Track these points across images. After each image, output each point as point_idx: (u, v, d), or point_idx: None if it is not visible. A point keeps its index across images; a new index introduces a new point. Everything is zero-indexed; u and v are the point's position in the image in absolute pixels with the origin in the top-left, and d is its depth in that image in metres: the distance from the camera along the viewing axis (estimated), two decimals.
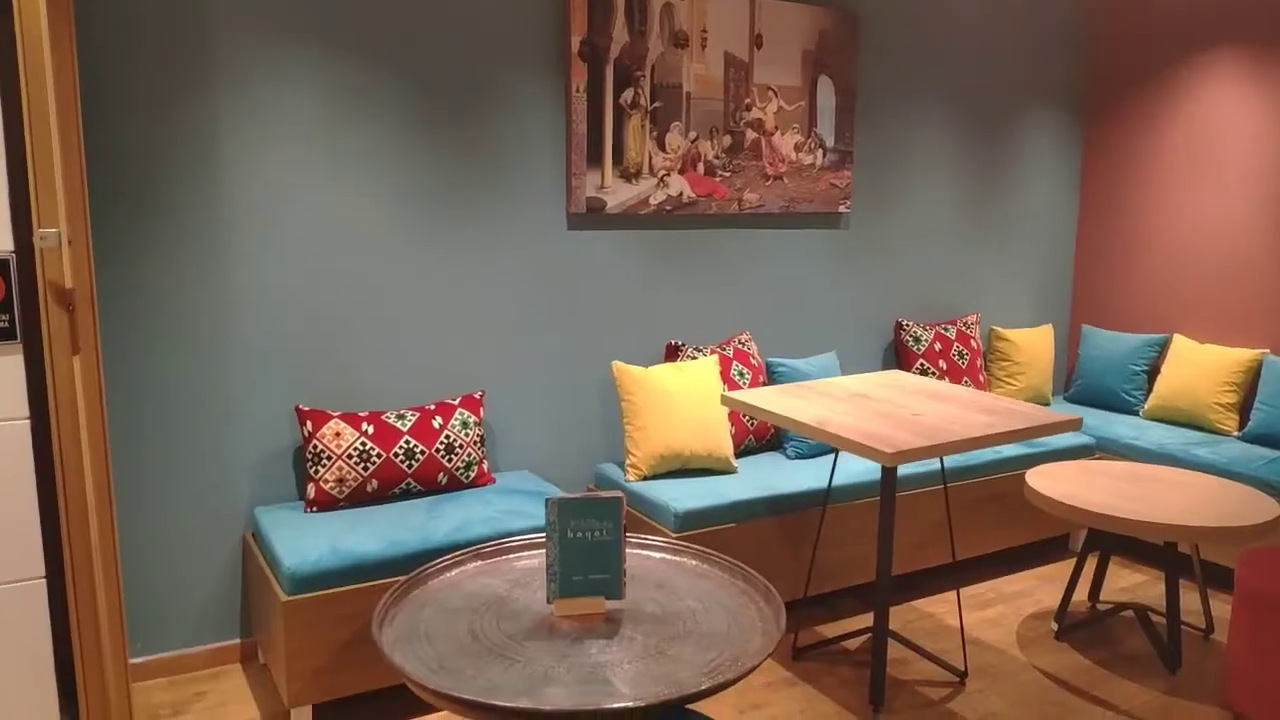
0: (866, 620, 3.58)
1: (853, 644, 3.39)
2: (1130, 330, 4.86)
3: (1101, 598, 3.78)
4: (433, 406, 3.32)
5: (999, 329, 4.74)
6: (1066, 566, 4.11)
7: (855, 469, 3.63)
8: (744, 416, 3.78)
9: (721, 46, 3.80)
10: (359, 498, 3.14)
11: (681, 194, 3.78)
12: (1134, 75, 4.78)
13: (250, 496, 3.20)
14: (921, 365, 4.35)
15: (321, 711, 2.91)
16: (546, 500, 2.24)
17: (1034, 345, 4.71)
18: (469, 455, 3.30)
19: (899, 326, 4.42)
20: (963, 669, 3.17)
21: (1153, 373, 4.66)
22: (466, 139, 3.38)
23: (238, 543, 3.20)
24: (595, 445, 3.79)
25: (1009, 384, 4.67)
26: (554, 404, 3.68)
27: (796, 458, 3.80)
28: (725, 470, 3.58)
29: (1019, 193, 4.84)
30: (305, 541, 2.83)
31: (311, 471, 3.11)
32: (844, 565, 3.55)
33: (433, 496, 3.24)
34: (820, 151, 4.10)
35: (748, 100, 3.88)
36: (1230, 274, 4.43)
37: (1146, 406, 4.52)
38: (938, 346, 4.40)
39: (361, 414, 3.22)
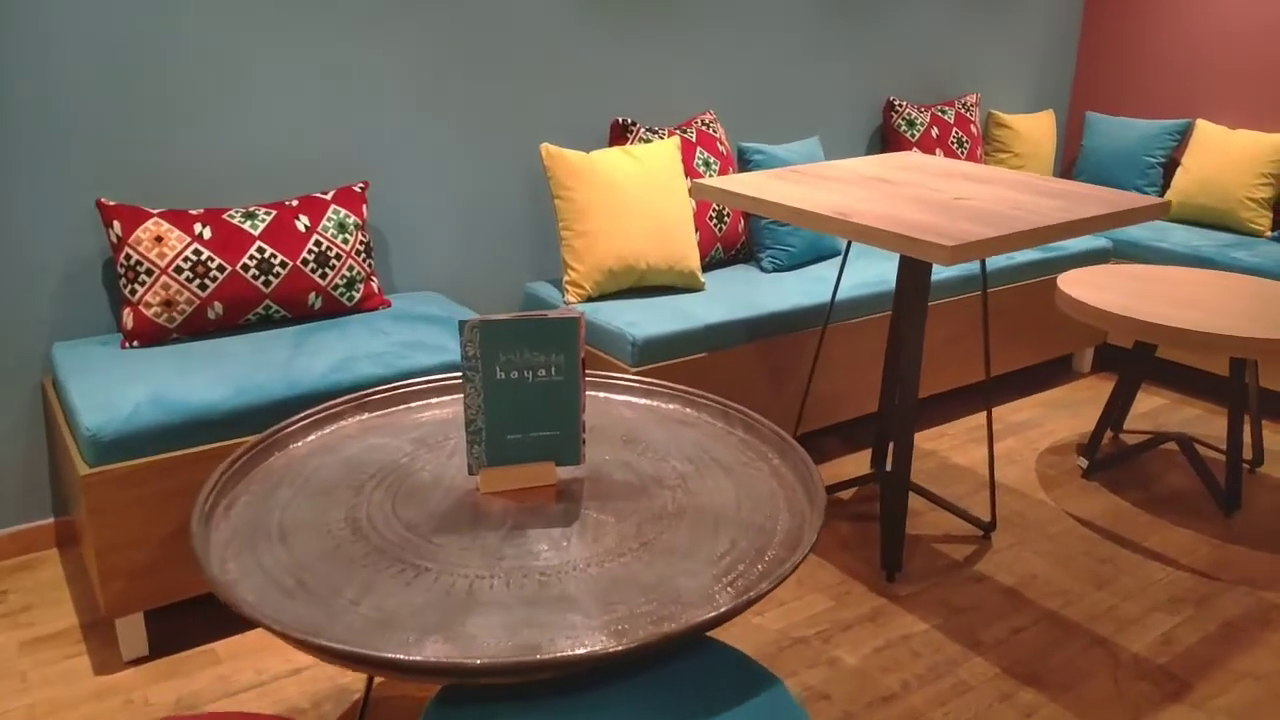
0: (859, 462, 2.95)
1: (846, 493, 2.76)
2: (1143, 115, 4.15)
3: (1125, 426, 3.23)
4: (294, 202, 2.41)
5: (998, 113, 3.97)
6: (1073, 390, 3.54)
7: (848, 281, 2.90)
8: (711, 220, 2.97)
9: None
10: (197, 327, 2.28)
11: None
12: None
13: (49, 328, 2.31)
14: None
15: (161, 618, 2.15)
16: (462, 324, 1.43)
17: (1035, 133, 3.98)
18: (351, 269, 2.44)
19: (890, 108, 3.61)
20: (988, 519, 2.58)
21: (1169, 165, 3.99)
22: None
23: (34, 391, 2.33)
24: (523, 257, 2.95)
25: None
26: (466, 202, 2.81)
27: (775, 270, 3.04)
28: (691, 287, 2.81)
29: None
30: (117, 390, 1.99)
31: (127, 292, 2.22)
32: (834, 399, 2.88)
33: (302, 325, 2.40)
34: None
35: None
36: (1265, 46, 3.71)
37: None
38: (935, 132, 3.62)
39: (194, 211, 2.30)
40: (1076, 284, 2.79)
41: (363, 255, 2.47)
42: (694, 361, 2.54)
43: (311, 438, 1.72)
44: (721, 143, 3.09)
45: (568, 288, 2.70)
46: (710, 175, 3.00)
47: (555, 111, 2.89)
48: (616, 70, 2.98)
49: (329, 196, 2.46)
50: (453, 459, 1.64)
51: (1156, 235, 3.61)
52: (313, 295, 2.38)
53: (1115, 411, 2.90)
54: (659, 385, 1.88)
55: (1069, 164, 4.45)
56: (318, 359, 2.16)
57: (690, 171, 2.96)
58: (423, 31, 2.60)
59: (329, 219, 2.42)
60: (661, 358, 2.49)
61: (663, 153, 2.80)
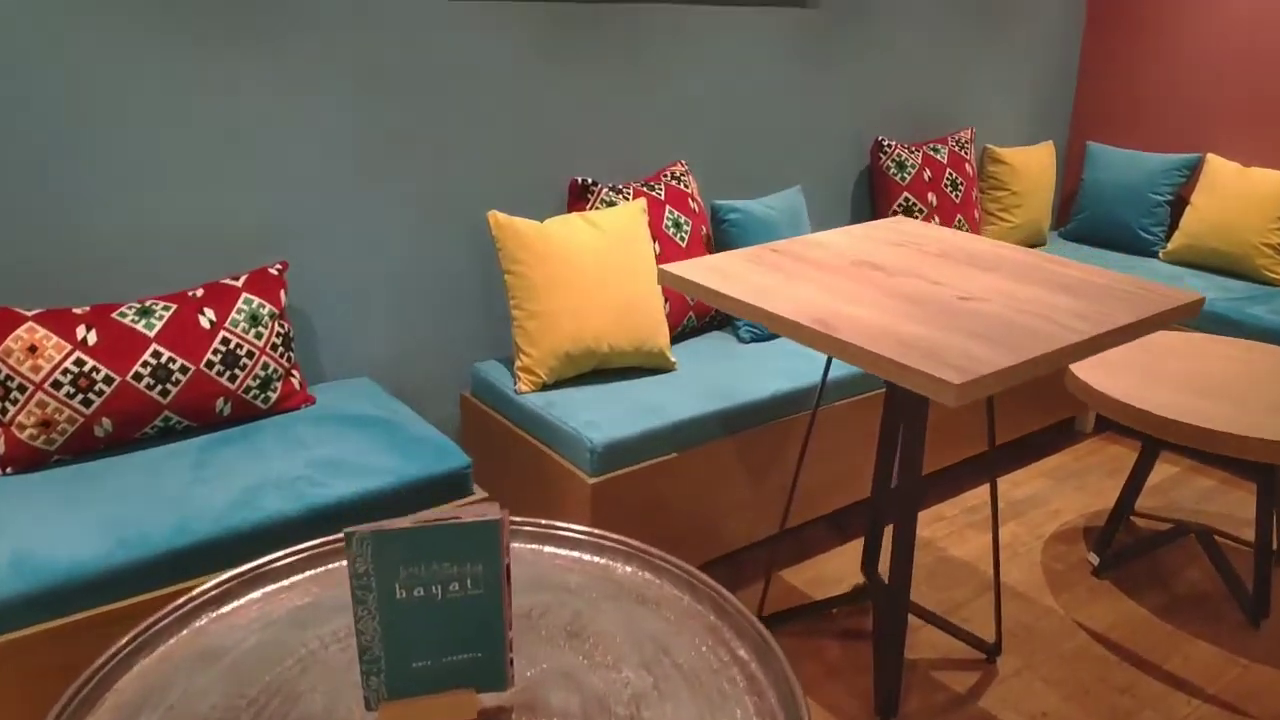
0: (849, 558, 2.66)
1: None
2: (1149, 148, 3.87)
3: (1136, 506, 2.96)
4: (199, 292, 2.10)
5: (994, 148, 3.68)
6: (1076, 456, 3.27)
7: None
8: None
9: None
10: (83, 447, 1.96)
11: None
12: None
13: None
14: (906, 201, 3.28)
15: None
16: (347, 535, 1.13)
17: (1034, 169, 3.69)
18: (265, 368, 2.12)
19: (878, 148, 3.31)
20: (993, 639, 2.31)
21: (1177, 203, 3.72)
22: None
23: None
24: (471, 332, 2.64)
25: (1002, 220, 3.67)
26: (404, 275, 2.49)
27: (753, 340, 2.74)
28: (659, 368, 2.51)
29: None
30: None
31: None
32: (821, 488, 2.59)
33: (209, 435, 2.08)
34: None
35: None
36: None
37: (1170, 247, 3.60)
38: (927, 175, 3.32)
39: (78, 310, 1.98)
40: (1088, 365, 2.51)
41: (280, 349, 2.16)
42: (662, 465, 2.24)
43: (188, 630, 1.41)
44: (694, 198, 2.78)
45: (519, 375, 2.39)
46: (681, 237, 2.70)
47: (505, 172, 2.58)
48: (574, 121, 2.66)
49: (240, 283, 2.14)
50: (351, 669, 1.34)
51: (1167, 284, 3.33)
52: (220, 401, 2.07)
53: (1127, 500, 2.63)
54: (615, 541, 1.58)
55: (1068, 196, 4.17)
56: (218, 489, 1.85)
57: (659, 234, 2.66)
58: (349, 85, 2.28)
59: (239, 311, 2.10)
60: (625, 463, 2.19)
61: (627, 217, 2.49)
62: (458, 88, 2.43)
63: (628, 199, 2.63)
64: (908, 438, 1.90)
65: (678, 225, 2.70)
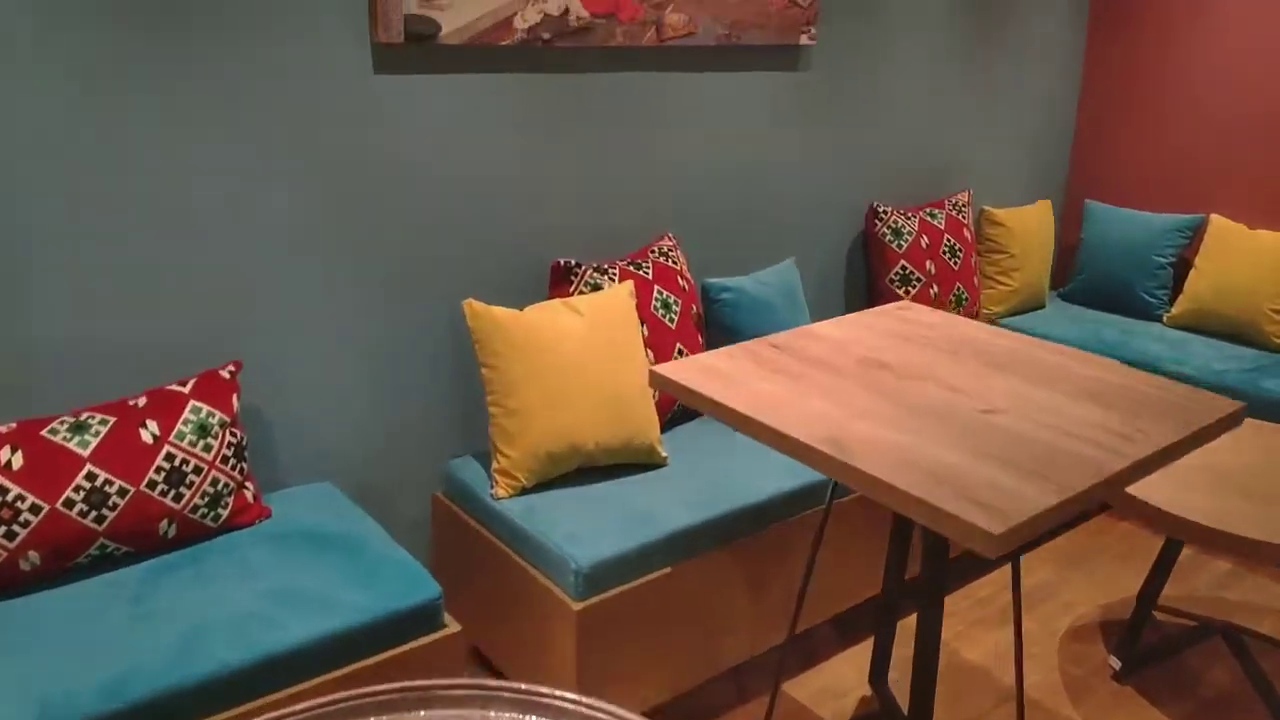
0: (856, 664, 2.47)
1: (848, 701, 2.29)
2: (1149, 208, 3.75)
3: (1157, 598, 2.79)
4: (141, 401, 1.89)
5: (990, 210, 3.55)
6: (1088, 535, 3.11)
7: None
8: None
9: None
10: (7, 583, 1.74)
11: (567, 12, 2.32)
12: None
13: None
14: (903, 270, 3.13)
15: None
16: None
17: (1031, 229, 3.56)
18: (215, 483, 1.91)
19: (873, 214, 3.16)
20: None
21: (1180, 264, 3.59)
22: None
23: None
24: (445, 426, 2.45)
25: (1001, 284, 3.53)
26: (371, 368, 2.30)
27: None
28: (650, 463, 2.32)
29: (1026, 14, 3.54)
30: None
31: None
32: (827, 592, 2.41)
33: (152, 561, 1.87)
34: None
35: None
36: None
37: (1174, 311, 3.47)
38: (924, 242, 3.17)
39: (1, 428, 1.77)
40: None
41: (232, 461, 1.95)
42: (655, 582, 2.04)
43: None
44: (682, 275, 2.61)
45: (496, 478, 2.19)
46: (670, 317, 2.52)
47: (483, 254, 2.39)
48: (556, 197, 2.49)
49: (187, 389, 1.94)
50: None
51: (1174, 352, 3.20)
52: (164, 523, 1.86)
53: (1148, 600, 2.46)
54: (608, 715, 1.38)
55: (1067, 255, 4.04)
56: (160, 631, 1.64)
57: (647, 316, 2.48)
58: (306, 166, 2.09)
59: (186, 421, 1.89)
60: (613, 582, 1.99)
61: (614, 302, 2.32)
62: (429, 166, 2.25)
63: (614, 280, 2.45)
64: (929, 577, 1.72)
65: (666, 305, 2.53)
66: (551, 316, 2.23)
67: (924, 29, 3.20)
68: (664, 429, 2.55)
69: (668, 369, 1.87)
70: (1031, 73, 3.65)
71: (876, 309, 2.25)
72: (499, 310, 2.18)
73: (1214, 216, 3.47)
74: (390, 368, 2.32)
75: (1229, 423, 1.74)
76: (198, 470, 1.89)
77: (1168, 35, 3.58)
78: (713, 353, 1.96)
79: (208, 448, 1.91)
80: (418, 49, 2.17)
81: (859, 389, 1.79)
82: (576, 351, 2.20)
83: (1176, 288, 3.60)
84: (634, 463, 2.30)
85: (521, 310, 2.23)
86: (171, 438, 1.86)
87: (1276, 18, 3.29)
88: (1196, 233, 3.53)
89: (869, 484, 1.47)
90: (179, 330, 2.02)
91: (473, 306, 2.18)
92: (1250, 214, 3.46)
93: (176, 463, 1.86)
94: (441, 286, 2.34)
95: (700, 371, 1.87)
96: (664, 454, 2.33)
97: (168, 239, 1.96)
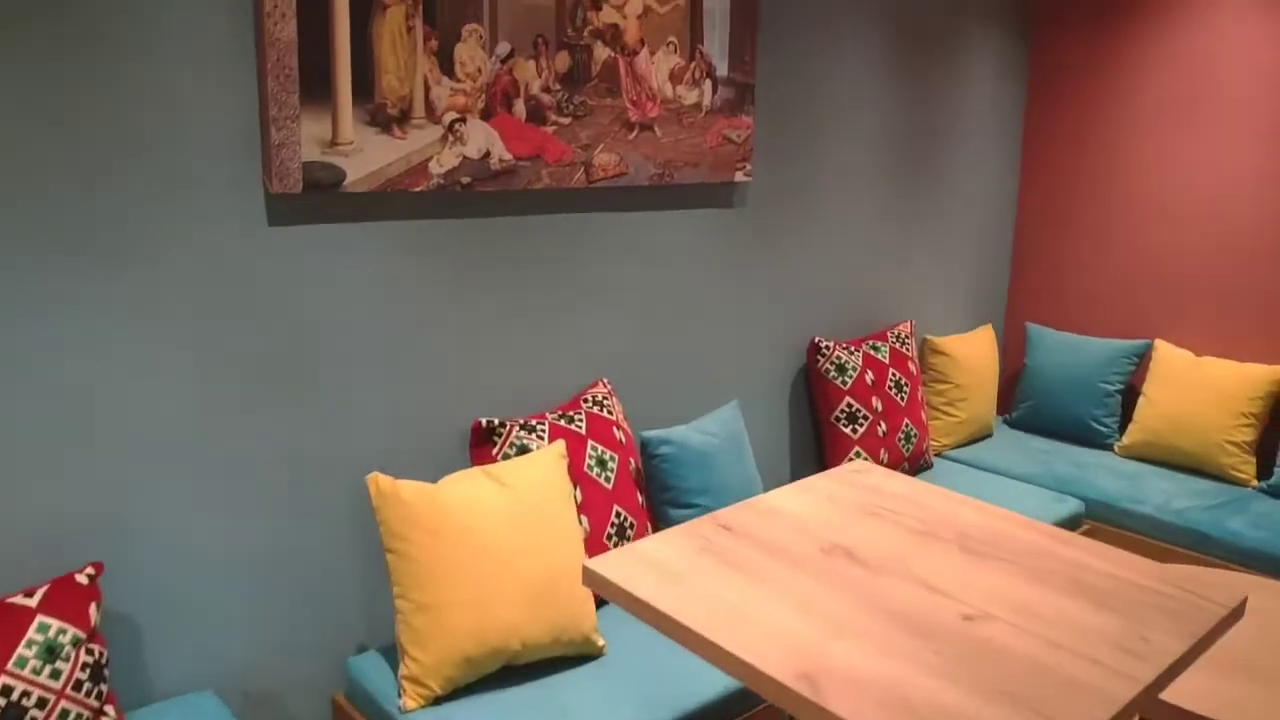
0: None
1: None
2: (1091, 332, 3.69)
3: None
4: None
5: (933, 339, 3.43)
6: None
7: None
8: (612, 532, 2.25)
9: None
10: None
11: (488, 154, 2.14)
12: None
13: None
14: (849, 408, 2.96)
15: None
16: None
17: (975, 357, 3.45)
18: (65, 715, 1.59)
19: (815, 350, 3.00)
20: None
21: (1128, 391, 3.51)
22: (42, 77, 1.59)
23: None
24: (347, 618, 2.14)
25: (948, 415, 3.39)
26: (261, 558, 2.00)
27: None
28: (585, 653, 2.04)
29: (959, 143, 3.49)
30: None
31: None
32: None
33: None
34: (709, 84, 2.55)
35: None
36: (1236, 259, 3.30)
37: (1125, 441, 3.36)
38: (869, 377, 3.02)
39: None
40: None
41: (88, 685, 1.63)
42: None
43: None
44: (619, 426, 2.39)
45: (405, 686, 1.89)
46: (607, 477, 2.28)
47: (393, 420, 2.14)
48: (476, 348, 2.26)
49: (34, 601, 1.62)
50: None
51: (1131, 489, 3.07)
52: None
53: None
54: None
55: (1010, 381, 3.94)
56: None
57: (580, 478, 2.24)
58: (192, 331, 1.84)
59: (30, 644, 1.57)
60: None
61: (542, 467, 2.07)
62: (332, 324, 2.01)
63: (542, 438, 2.22)
64: None
65: (602, 463, 2.29)
66: (470, 490, 1.97)
67: (859, 162, 3.11)
68: (600, 602, 2.29)
69: (604, 565, 1.62)
70: (968, 198, 3.59)
71: (832, 472, 2.05)
72: (407, 487, 1.92)
73: (1159, 343, 3.41)
74: (285, 554, 2.02)
75: (1232, 619, 1.56)
76: (42, 704, 1.56)
77: (1107, 163, 3.57)
78: (656, 538, 1.72)
79: (56, 674, 1.58)
80: (320, 197, 1.95)
81: (827, 590, 1.56)
82: (499, 531, 1.95)
83: (1125, 414, 3.50)
84: (565, 656, 2.02)
85: (436, 484, 1.97)
86: (10, 666, 1.54)
87: (1209, 152, 3.30)
88: (1142, 359, 3.45)
89: None
90: (31, 524, 1.71)
91: (377, 482, 1.92)
92: (1195, 341, 3.41)
93: (15, 696, 1.53)
94: (346, 458, 2.08)
95: (641, 564, 1.63)
96: (601, 643, 2.06)
97: (24, 420, 1.67)
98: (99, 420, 1.75)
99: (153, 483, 1.83)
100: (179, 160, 1.77)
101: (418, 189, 2.04)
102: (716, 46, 2.54)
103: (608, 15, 2.28)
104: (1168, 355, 3.35)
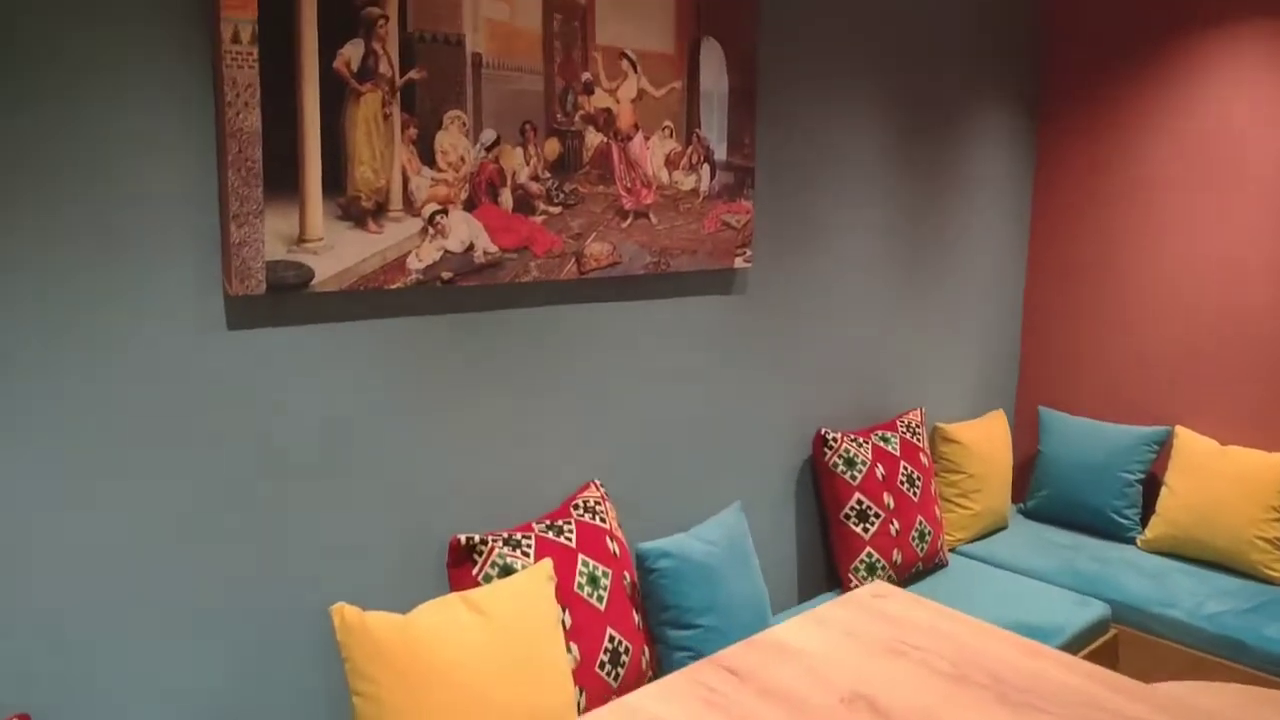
0: None
1: None
2: (1107, 417, 3.52)
3: None
4: None
5: (944, 426, 3.26)
6: None
7: None
8: (603, 663, 2.04)
9: None
10: None
11: (472, 247, 1.98)
12: (1105, 61, 3.42)
13: None
14: (859, 504, 2.77)
15: None
16: None
17: (988, 445, 3.27)
18: None
19: (821, 441, 2.82)
20: None
21: (1149, 480, 3.33)
22: None
23: None
24: None
25: (962, 508, 3.20)
26: (217, 694, 1.79)
27: None
28: None
29: (966, 224, 3.36)
30: None
31: None
32: None
33: None
34: (707, 169, 2.41)
35: (587, 75, 2.13)
36: (1256, 341, 3.15)
37: (1148, 535, 3.17)
38: (880, 472, 2.83)
39: None
40: None
41: None
42: None
43: None
44: (613, 536, 2.20)
45: None
46: (599, 596, 2.09)
47: (364, 541, 1.95)
48: (458, 460, 2.08)
49: None
50: None
51: (1159, 592, 2.87)
52: None
53: None
54: None
55: (1022, 468, 3.76)
56: None
57: (569, 600, 2.04)
58: (139, 452, 1.65)
59: None
60: None
61: (528, 592, 1.88)
62: (296, 437, 1.83)
63: (528, 554, 2.02)
64: None
65: (594, 581, 2.09)
66: (446, 621, 1.77)
67: (863, 245, 2.97)
68: None
69: None
70: (975, 279, 3.45)
71: (849, 598, 1.86)
72: (376, 620, 1.72)
73: (1180, 429, 3.24)
74: (240, 704, 1.81)
75: None
76: None
77: (1118, 243, 3.44)
78: (654, 690, 1.52)
79: None
80: (286, 298, 1.79)
81: None
82: (478, 668, 1.74)
83: (1147, 505, 3.32)
84: None
85: (408, 614, 1.77)
86: None
87: (1221, 233, 3.17)
88: (1163, 446, 3.28)
89: None
90: None
91: (343, 614, 1.72)
92: (1219, 429, 3.24)
93: None
94: (310, 587, 1.88)
95: None
96: None
97: None
98: (33, 557, 1.56)
99: (88, 625, 1.63)
100: (128, 260, 1.60)
101: (394, 286, 1.88)
102: (715, 130, 2.40)
103: (600, 100, 2.14)
104: (1190, 443, 3.18)
